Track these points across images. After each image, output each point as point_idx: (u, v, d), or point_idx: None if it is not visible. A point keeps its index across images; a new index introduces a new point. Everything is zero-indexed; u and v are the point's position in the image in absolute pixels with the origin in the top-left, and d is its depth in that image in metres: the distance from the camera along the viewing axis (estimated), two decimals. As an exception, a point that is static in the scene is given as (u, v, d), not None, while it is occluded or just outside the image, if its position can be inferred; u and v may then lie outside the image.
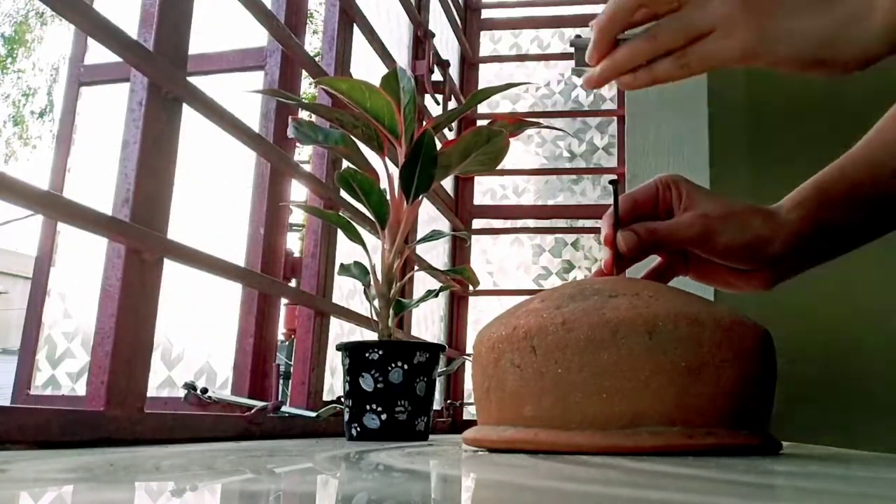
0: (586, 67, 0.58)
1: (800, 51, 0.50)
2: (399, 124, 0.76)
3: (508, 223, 2.09)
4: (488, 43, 2.23)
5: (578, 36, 0.60)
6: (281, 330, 1.92)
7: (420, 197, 0.78)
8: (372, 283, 0.80)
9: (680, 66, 0.53)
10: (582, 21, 2.17)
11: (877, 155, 0.61)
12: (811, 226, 0.61)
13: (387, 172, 0.79)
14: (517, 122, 0.80)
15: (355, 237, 0.82)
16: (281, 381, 2.98)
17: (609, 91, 2.12)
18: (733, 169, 1.33)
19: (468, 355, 1.76)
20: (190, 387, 0.91)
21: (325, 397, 1.13)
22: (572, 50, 0.60)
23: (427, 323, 1.79)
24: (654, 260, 0.66)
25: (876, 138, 0.62)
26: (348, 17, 1.25)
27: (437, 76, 1.76)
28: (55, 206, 0.62)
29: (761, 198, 0.65)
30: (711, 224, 0.59)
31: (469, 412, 1.86)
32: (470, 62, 2.15)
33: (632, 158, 1.42)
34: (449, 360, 1.80)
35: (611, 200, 0.61)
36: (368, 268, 0.81)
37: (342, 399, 0.80)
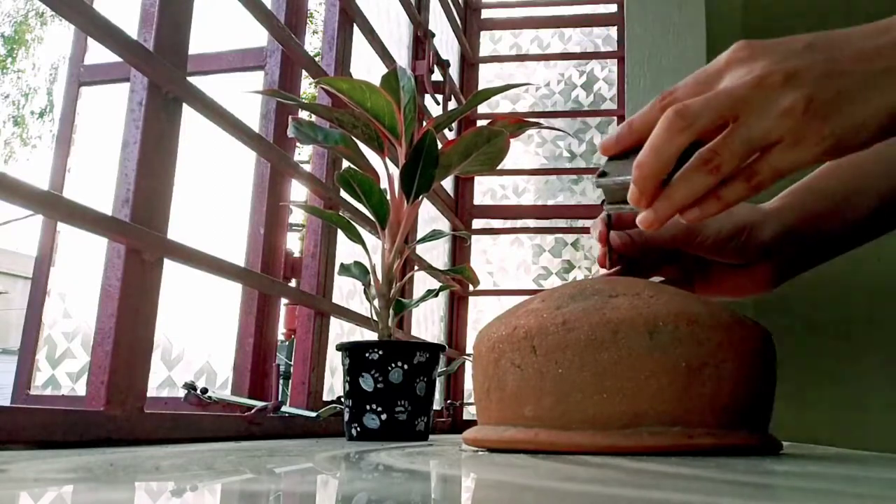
0: (624, 205, 0.53)
1: (875, 134, 0.47)
2: (399, 124, 0.76)
3: (508, 223, 2.09)
4: (488, 43, 2.23)
5: (603, 173, 0.53)
6: (281, 330, 1.92)
7: (420, 197, 0.78)
8: (372, 283, 0.80)
9: (751, 188, 0.48)
10: (582, 21, 2.17)
11: (866, 156, 0.62)
12: (796, 213, 0.61)
13: (387, 172, 0.79)
14: (518, 123, 0.80)
15: (355, 237, 0.82)
16: (281, 381, 2.98)
17: (609, 91, 2.12)
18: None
19: (468, 355, 1.76)
20: (190, 387, 0.91)
21: (325, 397, 1.13)
22: (601, 188, 0.54)
23: (427, 323, 1.79)
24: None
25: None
26: (348, 17, 1.25)
27: (437, 76, 1.76)
28: (55, 206, 0.62)
29: (760, 199, 0.65)
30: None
31: (469, 412, 1.86)
32: (470, 62, 2.15)
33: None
34: (449, 360, 1.80)
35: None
36: (368, 268, 0.81)
37: (342, 399, 0.80)
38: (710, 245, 0.61)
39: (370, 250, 0.82)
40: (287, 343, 3.75)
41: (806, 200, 0.63)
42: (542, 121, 2.12)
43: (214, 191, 1.21)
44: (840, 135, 0.46)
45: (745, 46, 0.48)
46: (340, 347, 0.79)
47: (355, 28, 1.27)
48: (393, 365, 0.75)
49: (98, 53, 1.37)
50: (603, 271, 0.62)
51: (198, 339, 1.21)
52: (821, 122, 0.46)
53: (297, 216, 4.96)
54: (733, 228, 0.61)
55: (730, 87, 0.47)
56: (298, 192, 2.81)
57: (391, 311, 0.80)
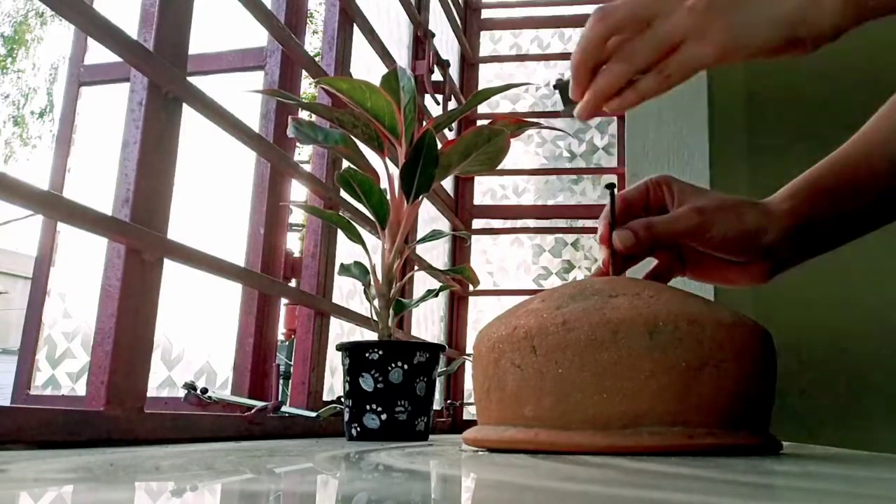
0: (572, 106, 0.59)
1: (770, 38, 0.51)
2: (399, 124, 0.76)
3: (508, 223, 2.09)
4: (488, 43, 2.23)
5: (560, 78, 0.61)
6: (281, 330, 1.92)
7: (420, 197, 0.78)
8: (372, 283, 0.80)
9: (663, 80, 0.54)
10: (582, 21, 2.17)
11: (870, 149, 0.62)
12: (802, 216, 0.62)
13: (387, 172, 0.79)
14: (517, 123, 0.80)
15: (355, 237, 0.82)
16: (281, 381, 2.98)
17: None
18: (733, 168, 1.33)
19: (468, 355, 1.76)
20: (190, 387, 0.91)
21: (325, 397, 1.13)
22: (556, 93, 0.60)
23: (427, 323, 1.79)
24: (651, 262, 0.66)
25: (870, 131, 0.63)
26: (348, 17, 1.25)
27: (437, 76, 1.76)
28: (55, 206, 0.62)
29: (761, 195, 0.65)
30: (707, 216, 0.60)
31: (469, 412, 1.86)
32: (470, 62, 2.15)
33: (632, 158, 1.42)
34: (449, 360, 1.80)
35: (608, 200, 0.62)
36: (368, 268, 0.81)
37: (342, 399, 0.80)
38: (717, 244, 0.61)
39: (370, 250, 0.82)
40: (287, 343, 3.75)
41: (809, 200, 0.63)
42: (542, 121, 2.12)
43: (214, 191, 1.21)
44: (736, 33, 0.51)
45: None
46: (340, 347, 0.78)
47: (355, 28, 1.27)
48: (393, 365, 0.75)
49: (98, 53, 1.37)
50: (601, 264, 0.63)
51: (198, 339, 1.21)
52: (719, 18, 0.51)
53: (297, 216, 4.96)
54: (740, 232, 0.61)
55: None
56: (298, 192, 2.81)
57: (391, 311, 0.80)
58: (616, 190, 0.62)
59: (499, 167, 0.79)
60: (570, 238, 2.07)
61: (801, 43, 0.51)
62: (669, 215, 0.61)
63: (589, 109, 0.57)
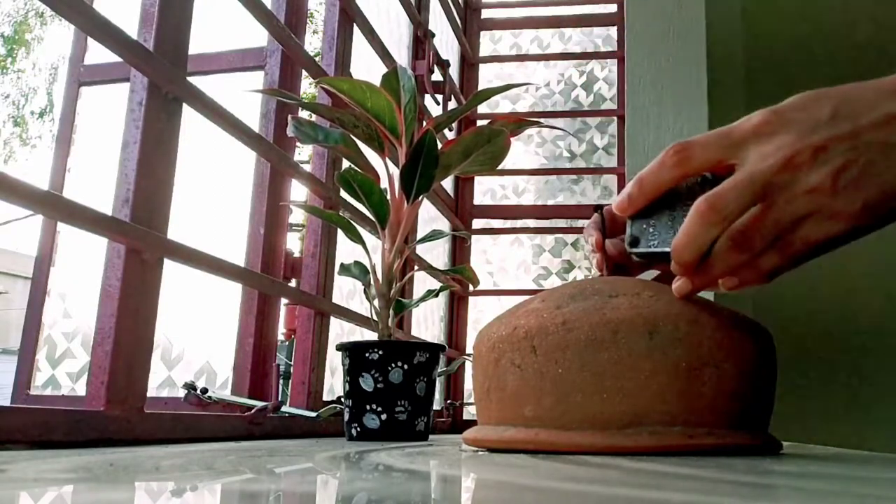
0: (655, 257, 0.54)
1: None
2: (399, 124, 0.76)
3: (508, 223, 2.09)
4: (488, 43, 2.23)
5: (635, 241, 0.55)
6: (281, 330, 1.92)
7: (420, 197, 0.78)
8: (372, 283, 0.80)
9: (786, 257, 0.49)
10: (582, 21, 2.17)
11: None
12: None
13: (387, 172, 0.79)
14: (517, 122, 0.80)
15: (355, 237, 0.82)
16: (281, 381, 2.98)
17: (609, 91, 2.12)
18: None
19: (468, 355, 1.76)
20: (190, 387, 0.91)
21: (325, 397, 1.13)
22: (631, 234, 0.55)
23: (427, 323, 1.79)
24: (652, 273, 0.67)
25: None
26: (348, 16, 1.25)
27: (437, 76, 1.76)
28: (55, 206, 0.62)
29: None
30: None
31: (469, 412, 1.86)
32: (470, 62, 2.15)
33: (632, 158, 1.42)
34: (449, 360, 1.80)
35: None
36: (368, 268, 0.81)
37: (342, 399, 0.80)
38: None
39: (370, 250, 0.82)
40: (287, 343, 3.75)
41: None
42: (542, 121, 2.12)
43: (214, 191, 1.21)
44: (871, 205, 0.47)
45: (770, 117, 0.49)
46: (340, 347, 0.78)
47: (355, 28, 1.27)
48: (393, 365, 0.75)
49: (98, 53, 1.37)
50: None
51: (198, 339, 1.21)
52: (849, 195, 0.47)
53: (297, 216, 4.96)
54: None
55: (757, 170, 0.48)
56: (298, 192, 2.80)
57: (391, 311, 0.80)
58: (604, 210, 0.62)
59: (499, 167, 0.79)
60: (570, 238, 2.07)
61: None
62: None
63: (698, 290, 0.52)
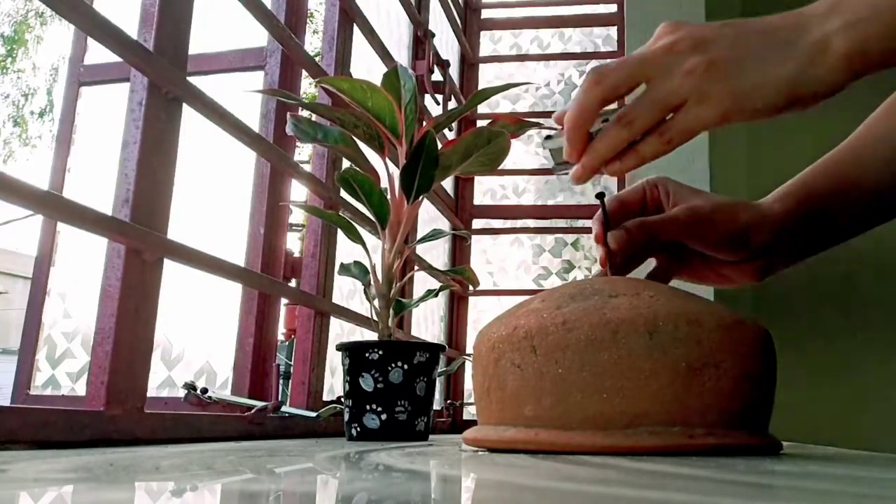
0: (565, 166, 0.58)
1: (772, 99, 0.51)
2: (400, 124, 0.76)
3: (508, 223, 2.09)
4: (488, 43, 2.23)
5: (548, 137, 0.59)
6: (281, 330, 1.92)
7: (421, 197, 0.78)
8: (372, 283, 0.80)
9: (664, 143, 0.53)
10: (582, 21, 2.17)
11: (859, 153, 0.63)
12: (794, 216, 0.63)
13: (387, 172, 0.79)
14: (518, 123, 0.79)
15: (355, 237, 0.82)
16: (281, 381, 2.98)
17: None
18: (733, 167, 1.33)
19: (468, 355, 1.76)
20: (190, 387, 0.91)
21: (325, 397, 1.13)
22: (546, 150, 0.59)
23: (427, 323, 1.79)
24: (651, 264, 0.67)
25: (861, 135, 0.64)
26: (348, 17, 1.25)
27: (437, 76, 1.76)
28: (55, 206, 0.62)
29: (760, 194, 0.66)
30: (703, 215, 0.62)
31: (469, 412, 1.86)
32: (470, 62, 2.15)
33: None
34: (449, 360, 1.80)
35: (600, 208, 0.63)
36: (368, 268, 0.81)
37: (342, 399, 0.80)
38: (711, 243, 0.62)
39: (370, 250, 0.82)
40: (287, 343, 3.75)
41: (801, 201, 0.64)
42: (542, 121, 2.12)
43: (214, 191, 1.21)
44: (738, 96, 0.51)
45: (670, 24, 0.54)
46: (340, 347, 0.78)
47: (355, 28, 1.27)
48: (393, 365, 0.75)
49: (98, 53, 1.37)
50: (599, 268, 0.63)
51: (198, 339, 1.21)
52: (720, 82, 0.51)
53: (297, 216, 4.96)
54: (734, 230, 0.62)
55: (644, 51, 0.53)
56: (298, 192, 2.80)
57: (391, 311, 0.80)
58: (605, 198, 0.62)
59: (499, 167, 0.79)
60: (570, 238, 2.07)
61: (801, 102, 0.51)
62: (665, 214, 0.62)
63: (586, 174, 0.56)
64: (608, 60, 0.57)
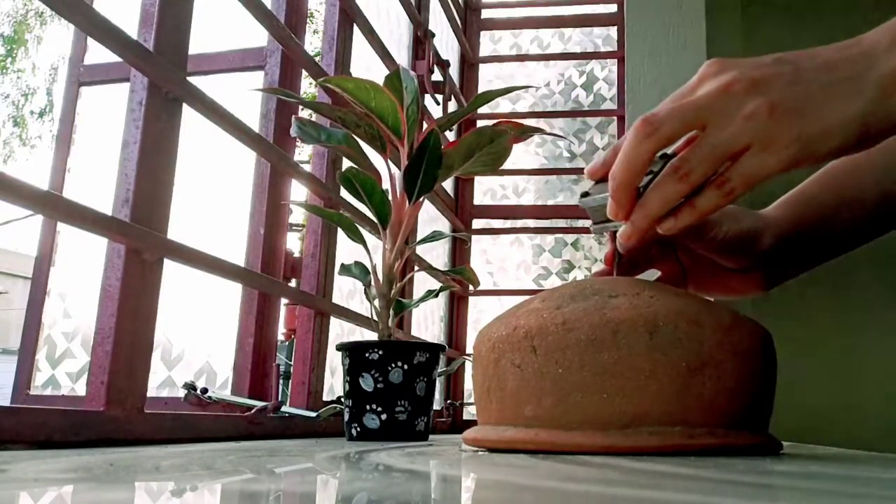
0: (608, 224, 0.54)
1: (842, 141, 0.47)
2: (402, 124, 0.76)
3: (508, 223, 2.09)
4: (488, 43, 2.23)
5: (585, 193, 0.55)
6: (281, 330, 1.92)
7: (422, 198, 0.78)
8: (372, 283, 0.80)
9: (724, 194, 0.49)
10: (582, 21, 2.17)
11: (857, 164, 0.63)
12: (793, 224, 0.63)
13: (389, 172, 0.79)
14: (521, 128, 0.80)
15: (356, 237, 0.82)
16: (281, 381, 2.98)
17: (609, 91, 2.12)
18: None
19: (468, 355, 1.76)
20: (190, 387, 0.91)
21: (325, 397, 1.13)
22: (586, 208, 0.55)
23: (427, 323, 1.79)
24: (654, 275, 0.67)
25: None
26: (348, 17, 1.25)
27: (437, 76, 1.76)
28: (55, 206, 0.62)
29: (760, 195, 0.66)
30: (709, 218, 0.60)
31: (469, 412, 1.86)
32: (470, 62, 2.15)
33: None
34: (449, 360, 1.80)
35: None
36: (369, 268, 0.81)
37: (342, 399, 0.80)
38: (717, 244, 0.62)
39: (370, 250, 0.82)
40: (287, 343, 3.75)
41: (801, 210, 0.64)
42: (542, 121, 2.12)
43: (214, 191, 1.21)
44: (806, 140, 0.47)
45: (716, 62, 0.50)
46: (340, 347, 0.78)
47: (355, 28, 1.27)
48: (393, 365, 0.75)
49: (98, 53, 1.37)
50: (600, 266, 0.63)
51: (198, 339, 1.21)
52: (786, 127, 0.46)
53: (297, 216, 4.96)
54: (739, 232, 0.62)
55: (697, 96, 0.49)
56: (298, 192, 2.80)
57: (391, 311, 0.80)
58: None
59: (500, 167, 0.79)
60: (570, 238, 2.07)
61: (874, 137, 0.48)
62: None
63: (637, 234, 0.51)
64: (657, 108, 0.50)
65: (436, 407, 1.51)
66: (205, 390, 0.92)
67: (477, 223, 2.08)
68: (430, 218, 1.80)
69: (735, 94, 0.47)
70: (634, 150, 0.49)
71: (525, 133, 0.80)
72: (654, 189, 0.50)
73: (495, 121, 0.79)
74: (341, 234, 1.06)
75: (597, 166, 0.54)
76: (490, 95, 0.80)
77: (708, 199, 0.49)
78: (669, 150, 0.51)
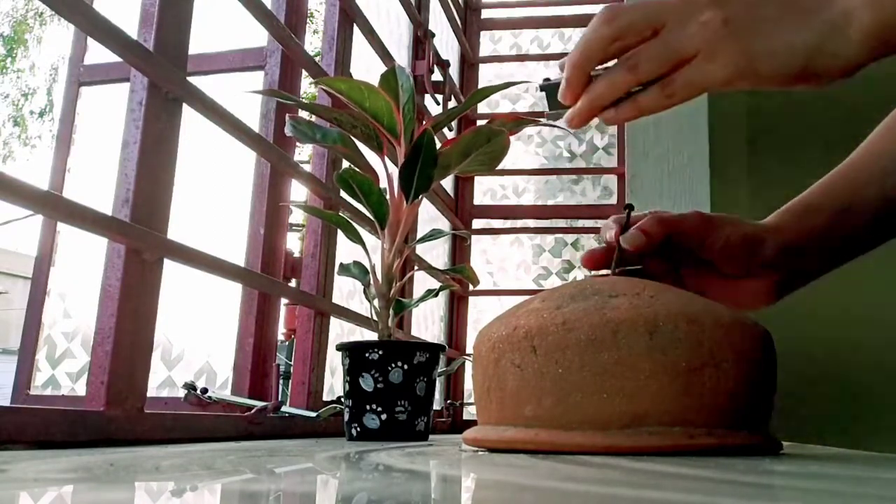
0: (562, 110, 0.56)
1: (785, 67, 0.49)
2: (398, 124, 0.76)
3: (508, 223, 2.09)
4: (488, 43, 2.23)
5: (547, 79, 0.57)
6: (281, 330, 1.92)
7: (420, 197, 0.78)
8: (372, 282, 0.80)
9: (666, 96, 0.51)
10: (582, 21, 2.17)
11: (861, 167, 0.63)
12: (796, 233, 0.63)
13: (386, 172, 0.79)
14: (516, 121, 0.79)
15: (355, 237, 0.82)
16: (281, 381, 2.98)
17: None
18: (734, 167, 1.33)
19: (468, 355, 1.76)
20: (190, 387, 0.91)
21: (325, 397, 1.13)
22: (542, 94, 0.57)
23: (427, 323, 1.79)
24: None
25: (863, 151, 0.64)
26: (348, 17, 1.25)
27: (437, 76, 1.76)
28: (55, 206, 0.62)
29: (761, 194, 0.66)
30: (712, 220, 0.62)
31: (469, 412, 1.86)
32: (470, 62, 2.15)
33: (632, 158, 1.42)
34: (449, 360, 1.80)
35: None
36: (368, 268, 0.81)
37: (342, 399, 0.80)
38: (719, 249, 0.62)
39: (370, 250, 0.82)
40: (287, 343, 3.75)
41: (801, 218, 0.64)
42: (540, 119, 2.12)
43: (214, 191, 1.21)
44: (749, 58, 0.49)
45: None
46: (340, 347, 0.78)
47: (355, 28, 1.27)
48: (393, 365, 0.75)
49: (98, 53, 1.37)
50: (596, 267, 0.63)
51: (198, 339, 1.21)
52: (733, 41, 0.49)
53: (297, 216, 4.96)
54: (741, 238, 0.62)
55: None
56: (298, 192, 2.80)
57: (391, 311, 0.80)
58: (632, 210, 0.62)
59: (499, 167, 0.79)
60: (570, 238, 2.07)
61: (815, 76, 0.49)
62: (679, 213, 0.62)
63: (581, 117, 0.54)
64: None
65: (436, 407, 1.51)
66: (205, 390, 0.92)
67: (477, 223, 2.08)
68: (430, 218, 1.80)
69: (696, 2, 0.50)
70: (593, 34, 0.51)
71: (521, 125, 0.80)
72: (603, 77, 0.52)
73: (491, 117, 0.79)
74: (341, 235, 1.06)
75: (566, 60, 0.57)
76: (487, 91, 0.80)
77: (650, 97, 0.52)
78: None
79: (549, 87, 0.56)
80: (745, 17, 0.49)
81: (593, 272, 0.64)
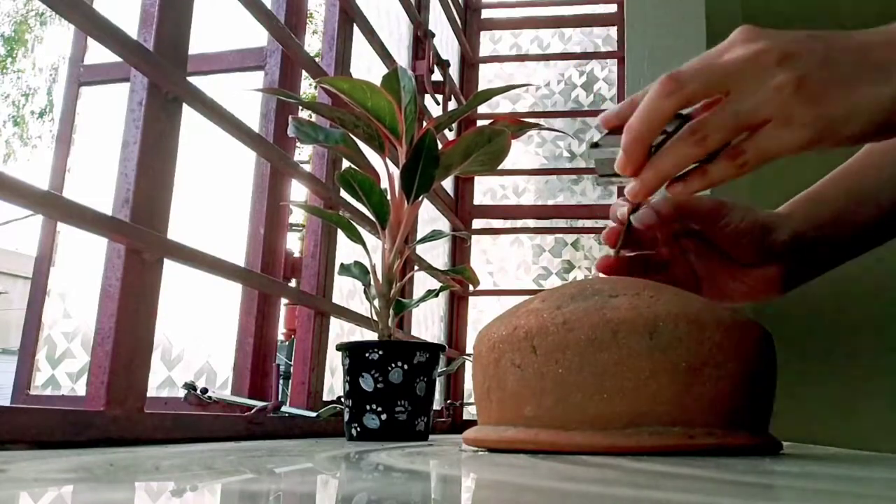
0: (615, 178, 0.53)
1: (865, 127, 0.46)
2: (400, 124, 0.76)
3: (508, 223, 2.09)
4: (488, 43, 2.23)
5: (595, 144, 0.53)
6: (281, 330, 1.92)
7: (421, 197, 0.78)
8: (372, 283, 0.80)
9: (737, 166, 0.48)
10: (582, 21, 2.17)
11: (872, 160, 0.63)
12: (806, 224, 0.63)
13: (387, 172, 0.79)
14: (518, 124, 0.79)
15: (355, 237, 0.82)
16: (281, 381, 2.98)
17: (609, 91, 2.12)
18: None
19: (468, 355, 1.76)
20: (190, 387, 0.91)
21: (325, 397, 1.13)
22: (592, 160, 0.53)
23: (427, 323, 1.79)
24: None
25: (871, 146, 0.64)
26: (348, 17, 1.25)
27: (437, 76, 1.76)
28: (55, 206, 0.62)
29: (762, 193, 0.66)
30: (725, 204, 0.60)
31: (469, 412, 1.86)
32: (470, 62, 2.15)
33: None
34: (449, 360, 1.80)
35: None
36: (368, 268, 0.81)
37: (342, 399, 0.80)
38: (730, 233, 0.61)
39: (370, 250, 0.82)
40: (287, 343, 3.76)
41: (809, 209, 0.64)
42: (542, 121, 2.12)
43: (214, 191, 1.21)
44: (828, 121, 0.46)
45: (750, 29, 0.49)
46: (340, 347, 0.78)
47: (355, 28, 1.27)
48: (393, 365, 0.75)
49: (98, 53, 1.37)
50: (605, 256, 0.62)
51: (198, 339, 1.21)
52: (810, 105, 0.45)
53: (297, 216, 4.96)
54: (752, 223, 0.61)
55: (725, 60, 0.48)
56: (298, 192, 2.80)
57: (391, 311, 0.80)
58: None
59: (499, 167, 0.79)
60: (570, 238, 2.07)
61: (893, 132, 0.47)
62: (693, 196, 0.61)
63: (645, 192, 0.50)
64: (683, 66, 0.49)
65: (436, 407, 1.51)
66: (205, 390, 0.92)
67: (477, 223, 2.08)
68: (430, 218, 1.80)
69: (764, 63, 0.46)
70: (655, 104, 0.47)
71: (523, 129, 0.80)
72: (669, 149, 0.48)
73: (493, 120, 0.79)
74: (341, 235, 1.06)
75: (611, 115, 0.53)
76: (489, 94, 0.80)
77: (720, 168, 0.48)
78: (684, 112, 0.50)
79: (601, 157, 0.53)
80: (819, 77, 0.45)
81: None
